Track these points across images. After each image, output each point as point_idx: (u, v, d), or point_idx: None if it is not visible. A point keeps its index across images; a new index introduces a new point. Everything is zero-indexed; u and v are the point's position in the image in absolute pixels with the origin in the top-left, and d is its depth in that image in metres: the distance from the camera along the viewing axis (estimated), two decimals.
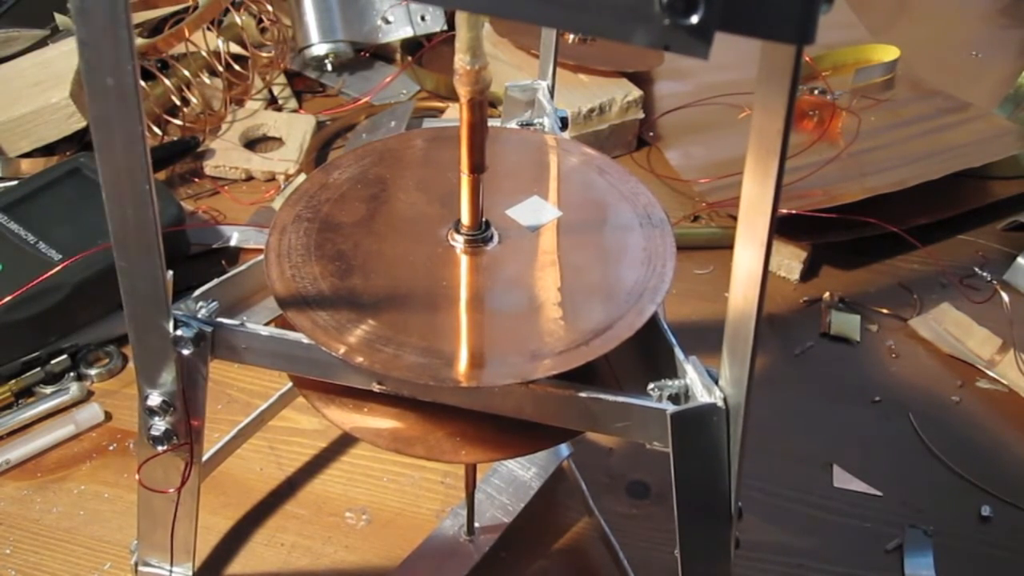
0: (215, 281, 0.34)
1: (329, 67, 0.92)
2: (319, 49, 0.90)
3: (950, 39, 1.06)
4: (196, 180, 0.79)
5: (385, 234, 0.36)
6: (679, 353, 0.31)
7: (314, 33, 0.90)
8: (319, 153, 0.85)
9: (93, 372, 0.60)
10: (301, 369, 0.33)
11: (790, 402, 0.62)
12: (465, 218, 0.35)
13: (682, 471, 0.30)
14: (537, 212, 0.37)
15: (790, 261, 0.72)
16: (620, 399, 0.30)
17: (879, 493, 0.56)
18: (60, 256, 0.60)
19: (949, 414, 0.61)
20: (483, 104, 0.32)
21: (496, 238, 0.36)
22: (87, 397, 0.59)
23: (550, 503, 0.54)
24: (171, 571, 0.38)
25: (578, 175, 0.39)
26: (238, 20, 0.88)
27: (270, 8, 0.90)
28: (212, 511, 0.52)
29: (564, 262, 0.35)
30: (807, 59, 0.86)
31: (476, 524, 0.50)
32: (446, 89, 0.91)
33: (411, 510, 0.54)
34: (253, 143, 0.85)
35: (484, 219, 0.35)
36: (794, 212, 0.70)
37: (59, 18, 0.94)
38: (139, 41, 0.82)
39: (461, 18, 0.29)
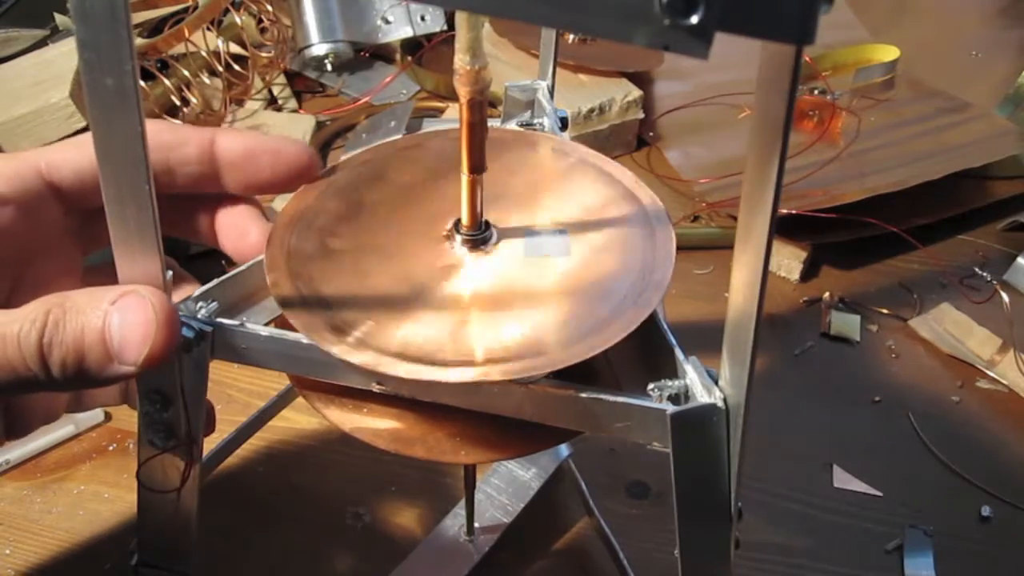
0: (215, 281, 0.34)
1: (329, 67, 0.92)
2: (319, 49, 0.91)
3: (950, 39, 1.07)
4: None
5: (385, 234, 0.36)
6: (679, 353, 0.31)
7: (314, 33, 0.91)
8: (319, 153, 0.85)
9: None
10: (301, 369, 0.33)
11: (790, 402, 0.62)
12: (464, 218, 0.35)
13: (682, 471, 0.30)
14: (542, 244, 0.36)
15: (790, 261, 0.72)
16: (620, 399, 0.30)
17: (879, 493, 0.56)
18: None
19: (949, 414, 0.61)
20: (483, 104, 0.32)
21: (495, 238, 0.36)
22: None
23: (550, 503, 0.54)
24: (171, 571, 0.38)
25: (578, 175, 0.39)
26: (238, 20, 0.88)
27: (270, 8, 0.90)
28: (212, 511, 0.52)
29: (563, 262, 0.35)
30: (807, 59, 0.86)
31: (476, 524, 0.50)
32: (446, 89, 0.91)
33: (411, 510, 0.54)
34: None
35: (484, 219, 0.35)
36: (794, 212, 0.70)
37: (59, 18, 0.94)
38: (139, 41, 0.82)
39: (461, 18, 0.29)
